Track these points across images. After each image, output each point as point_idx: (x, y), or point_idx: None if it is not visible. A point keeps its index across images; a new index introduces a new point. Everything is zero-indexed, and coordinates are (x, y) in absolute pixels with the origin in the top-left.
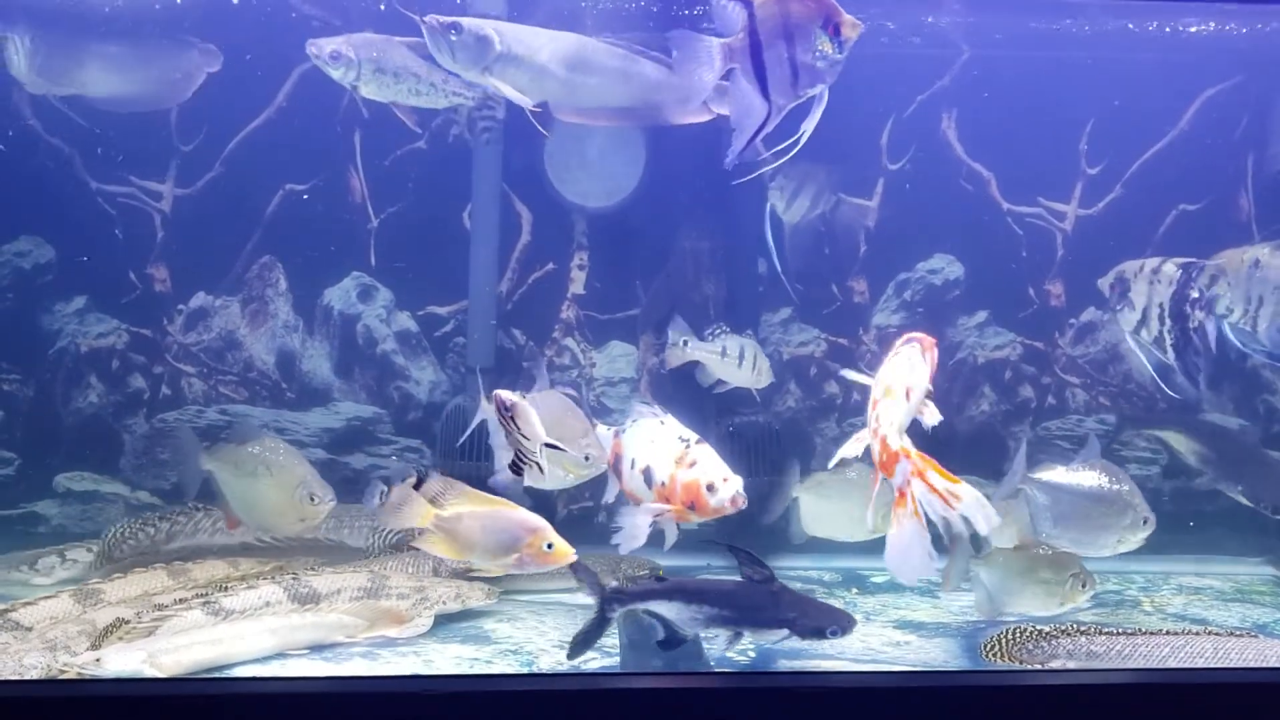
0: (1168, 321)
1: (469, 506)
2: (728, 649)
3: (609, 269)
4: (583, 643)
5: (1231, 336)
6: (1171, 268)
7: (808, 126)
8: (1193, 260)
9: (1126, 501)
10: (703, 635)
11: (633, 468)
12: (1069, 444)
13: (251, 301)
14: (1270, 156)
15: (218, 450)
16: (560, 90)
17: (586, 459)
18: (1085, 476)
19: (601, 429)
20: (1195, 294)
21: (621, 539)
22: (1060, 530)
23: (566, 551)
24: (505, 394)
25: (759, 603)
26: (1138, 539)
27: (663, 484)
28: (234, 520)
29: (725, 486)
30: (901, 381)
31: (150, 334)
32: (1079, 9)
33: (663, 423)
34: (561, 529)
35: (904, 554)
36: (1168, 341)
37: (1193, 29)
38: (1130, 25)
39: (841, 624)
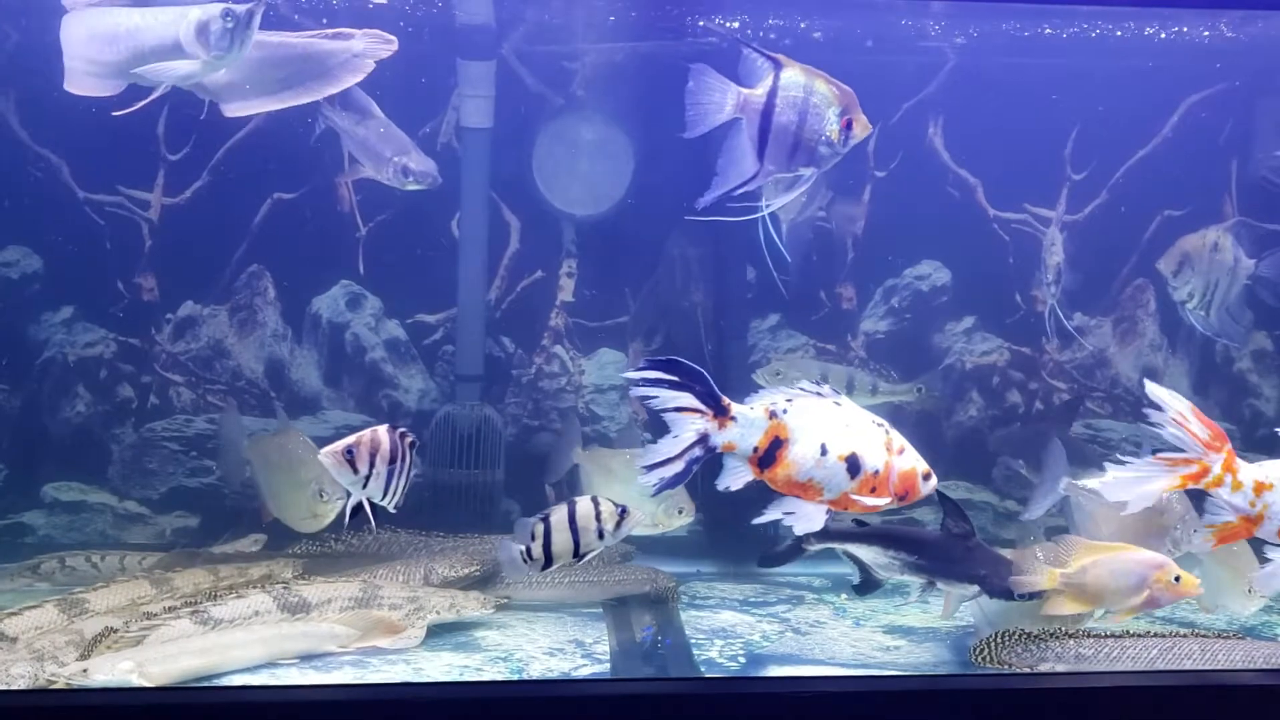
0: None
1: (1089, 557)
2: (922, 596)
3: (598, 276)
4: (774, 560)
5: (1190, 319)
6: (1054, 231)
7: (776, 201)
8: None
9: (1171, 505)
10: (898, 578)
11: (824, 454)
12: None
13: (240, 310)
14: (1254, 162)
15: (257, 441)
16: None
17: (680, 512)
18: None
19: (749, 410)
20: (1058, 258)
21: (796, 520)
22: (1112, 539)
23: (1194, 581)
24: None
25: (954, 556)
26: (1192, 545)
27: (875, 472)
28: (268, 511)
29: (933, 475)
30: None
31: (138, 343)
32: (1063, 15)
33: (838, 404)
34: None
35: (1134, 482)
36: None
37: (1179, 30)
38: (1115, 31)
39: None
